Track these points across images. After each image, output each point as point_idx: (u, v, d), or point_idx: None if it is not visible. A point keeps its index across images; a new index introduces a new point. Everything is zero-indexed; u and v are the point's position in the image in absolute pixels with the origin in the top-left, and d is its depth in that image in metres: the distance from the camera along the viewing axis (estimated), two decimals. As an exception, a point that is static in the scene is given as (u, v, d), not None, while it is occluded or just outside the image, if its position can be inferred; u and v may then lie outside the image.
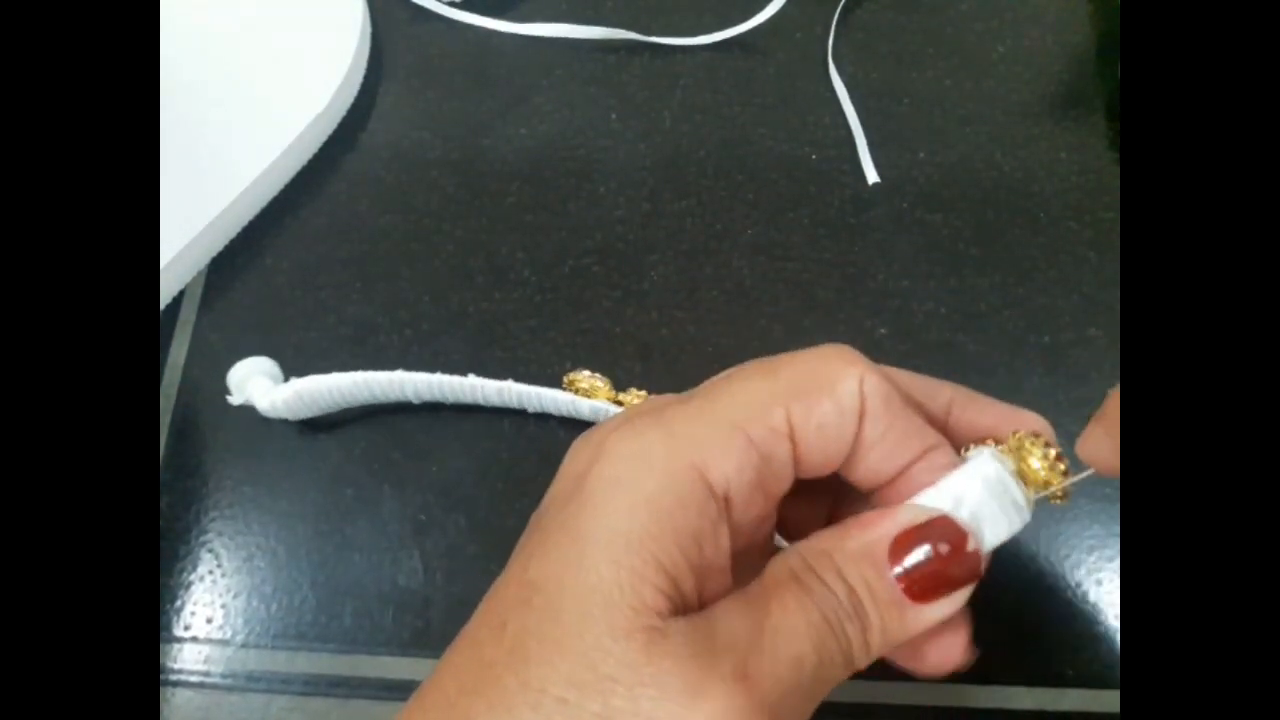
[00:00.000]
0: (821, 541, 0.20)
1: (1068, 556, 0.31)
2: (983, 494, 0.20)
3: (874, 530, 0.20)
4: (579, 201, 0.37)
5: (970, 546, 0.20)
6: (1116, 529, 0.31)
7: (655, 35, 0.40)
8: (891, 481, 0.21)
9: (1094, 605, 0.31)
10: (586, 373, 0.33)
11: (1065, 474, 0.21)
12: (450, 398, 0.33)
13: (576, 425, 0.33)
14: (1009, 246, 0.36)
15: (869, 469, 0.21)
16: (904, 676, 0.30)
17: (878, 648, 0.20)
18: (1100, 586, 0.31)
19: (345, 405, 0.33)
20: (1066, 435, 0.32)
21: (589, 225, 0.37)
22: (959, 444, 0.22)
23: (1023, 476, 0.21)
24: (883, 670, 0.30)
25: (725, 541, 0.20)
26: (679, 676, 0.18)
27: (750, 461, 0.20)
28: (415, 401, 0.33)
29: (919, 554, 0.20)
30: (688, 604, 0.19)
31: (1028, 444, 0.21)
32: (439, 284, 0.36)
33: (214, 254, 0.36)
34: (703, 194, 0.37)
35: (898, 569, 0.20)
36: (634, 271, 0.36)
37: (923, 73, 0.40)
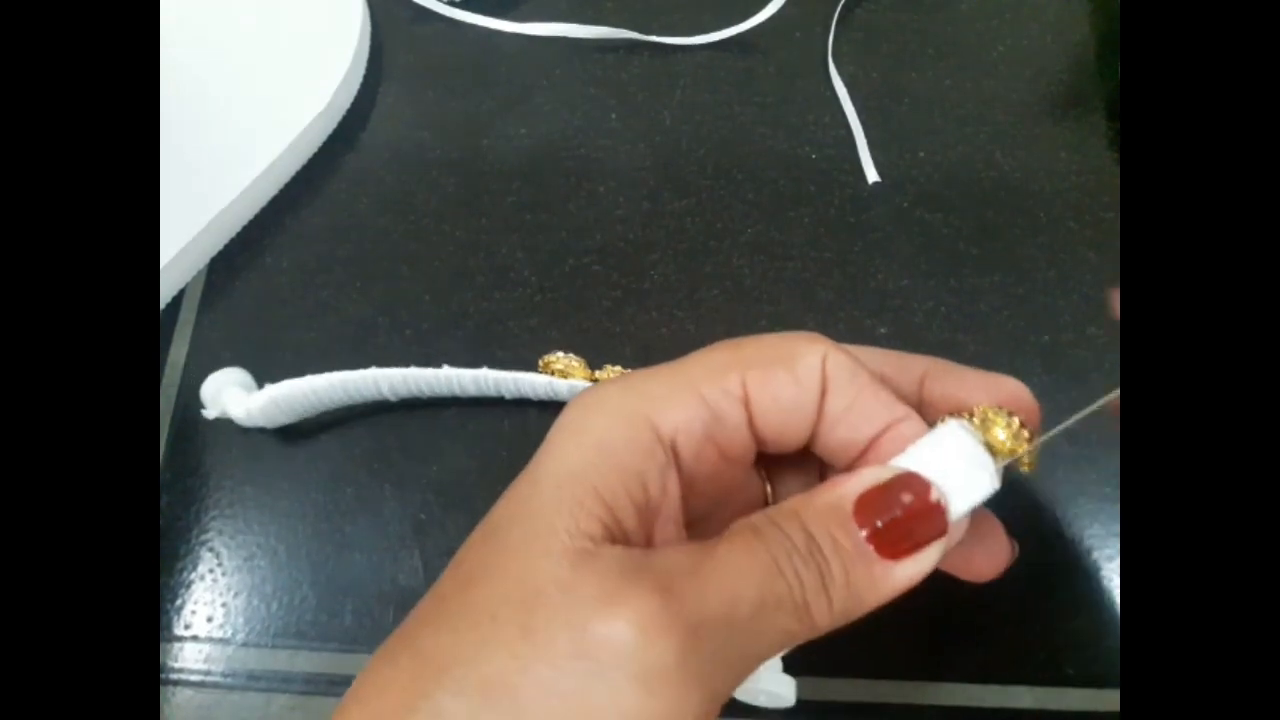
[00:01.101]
0: (787, 502, 0.20)
1: (1068, 556, 0.31)
2: (948, 460, 0.21)
3: (839, 488, 0.20)
4: (579, 201, 0.37)
5: (933, 497, 0.20)
6: (1116, 529, 0.31)
7: (655, 35, 0.40)
8: (862, 454, 0.21)
9: (1094, 605, 0.31)
10: (560, 353, 0.33)
11: (1030, 441, 0.21)
12: (427, 391, 0.33)
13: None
14: (1009, 246, 0.36)
15: (837, 442, 0.21)
16: (904, 676, 0.30)
17: (841, 603, 0.19)
18: (1100, 587, 0.31)
19: (322, 409, 0.33)
20: (1067, 435, 0.32)
21: (589, 225, 0.37)
22: (936, 416, 0.22)
23: (989, 448, 0.21)
24: (883, 670, 0.31)
25: (674, 488, 0.20)
26: (599, 589, 0.18)
27: (700, 416, 0.21)
28: (392, 399, 0.33)
29: (884, 508, 0.20)
30: (630, 540, 0.20)
31: (992, 415, 0.22)
32: (439, 284, 0.36)
33: (214, 253, 0.36)
34: (703, 194, 0.37)
35: (864, 530, 0.20)
36: (634, 271, 0.36)
37: (923, 73, 0.40)
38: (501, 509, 0.20)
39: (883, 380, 0.22)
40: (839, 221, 0.37)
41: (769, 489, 0.24)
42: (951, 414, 0.22)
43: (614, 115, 0.39)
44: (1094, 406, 0.22)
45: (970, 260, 0.36)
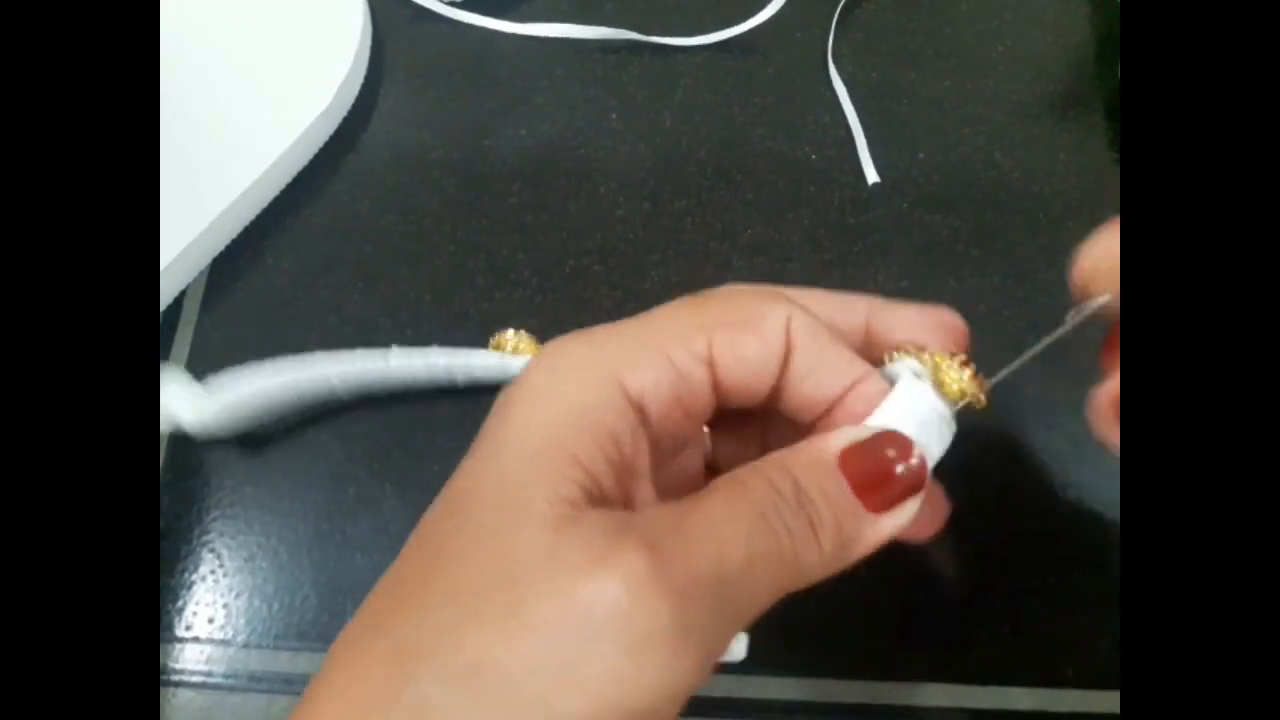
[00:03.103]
0: (771, 456, 0.20)
1: (1068, 556, 0.31)
2: (916, 414, 0.21)
3: (822, 441, 0.20)
4: (579, 201, 0.37)
5: (915, 455, 0.20)
6: (1116, 528, 0.31)
7: (655, 35, 0.40)
8: (827, 413, 0.22)
9: (1094, 605, 0.31)
10: (511, 331, 0.33)
11: (980, 383, 0.22)
12: (378, 383, 0.32)
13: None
14: (1008, 247, 0.36)
15: (801, 400, 0.22)
16: (904, 678, 0.31)
17: (832, 550, 0.19)
18: (1100, 586, 0.31)
19: (275, 407, 0.32)
20: (1067, 436, 0.32)
21: (589, 225, 0.37)
22: (879, 353, 0.23)
23: (941, 390, 0.22)
24: (883, 671, 0.31)
25: (644, 445, 0.20)
26: (585, 551, 0.17)
27: (667, 378, 0.20)
28: (343, 392, 0.32)
29: (868, 463, 0.20)
30: (610, 503, 0.19)
31: (943, 363, 0.22)
32: (440, 284, 0.36)
33: (215, 254, 0.36)
34: (703, 194, 0.37)
35: (849, 483, 0.20)
36: (634, 271, 0.36)
37: (923, 73, 0.40)
38: (463, 481, 0.19)
39: (836, 329, 0.22)
40: (839, 222, 0.37)
41: (708, 444, 0.24)
42: (899, 350, 0.22)
43: (614, 116, 0.39)
44: (1051, 337, 0.22)
45: (970, 261, 0.36)
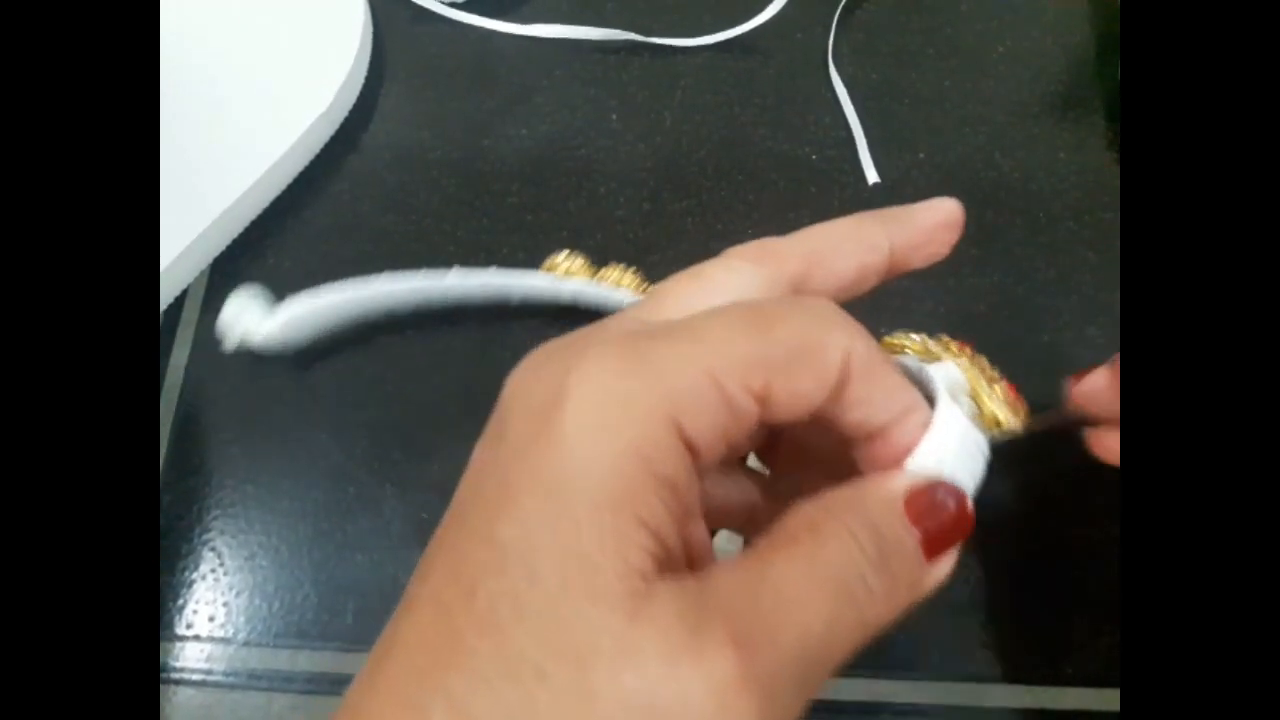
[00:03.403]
0: (838, 496, 0.20)
1: (1068, 556, 0.32)
2: (959, 453, 0.21)
3: (888, 485, 0.20)
4: (579, 202, 0.37)
5: (970, 506, 0.20)
6: (1116, 527, 0.31)
7: (655, 36, 0.40)
8: (871, 439, 0.21)
9: (1094, 605, 0.31)
10: (565, 252, 0.34)
11: (1021, 413, 0.22)
12: (437, 300, 0.34)
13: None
14: (1008, 246, 0.36)
15: (843, 425, 0.21)
16: (903, 676, 0.31)
17: (898, 607, 0.19)
18: (1100, 586, 0.31)
19: (340, 322, 0.34)
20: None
21: (589, 225, 0.37)
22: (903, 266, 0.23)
23: (980, 416, 0.22)
24: (882, 669, 0.31)
25: (697, 487, 0.19)
26: (663, 644, 0.16)
27: (721, 419, 0.19)
28: (405, 311, 0.34)
29: (929, 510, 0.20)
30: (673, 560, 0.18)
31: (983, 392, 0.22)
32: (440, 284, 0.36)
33: (216, 254, 0.36)
34: (703, 194, 0.37)
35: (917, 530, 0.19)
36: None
37: (923, 73, 0.40)
38: (516, 528, 0.18)
39: (885, 354, 0.21)
40: (839, 222, 0.37)
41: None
42: (939, 346, 0.22)
43: (614, 116, 0.39)
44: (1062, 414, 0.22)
45: (970, 261, 0.36)
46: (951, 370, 0.22)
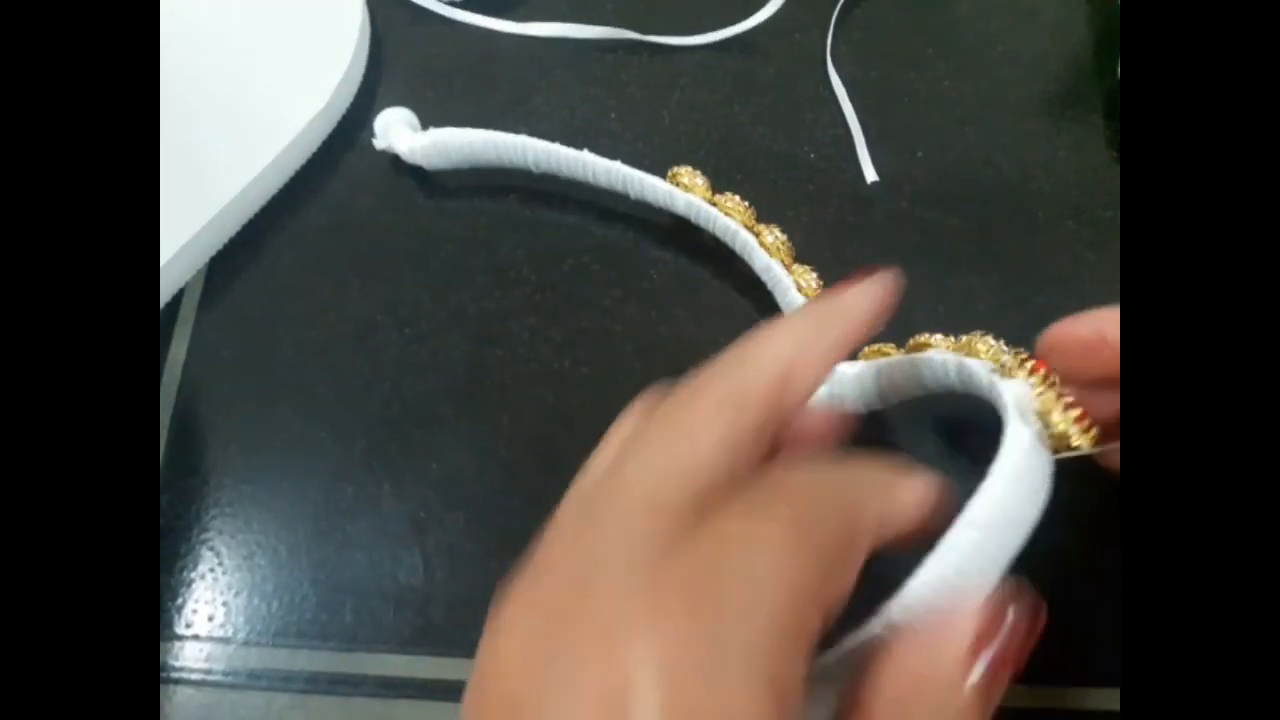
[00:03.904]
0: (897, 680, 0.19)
1: (1068, 556, 0.31)
2: (1018, 485, 0.21)
3: (951, 640, 0.19)
4: (579, 201, 0.37)
5: (1043, 614, 0.20)
6: (1116, 527, 0.31)
7: (655, 35, 0.40)
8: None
9: (1094, 605, 0.31)
10: (688, 168, 0.35)
11: (1090, 433, 0.22)
12: (564, 171, 0.36)
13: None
14: (1008, 246, 0.36)
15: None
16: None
17: None
18: (1100, 586, 0.31)
19: (474, 162, 0.36)
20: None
21: (589, 225, 0.37)
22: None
23: (1047, 430, 0.21)
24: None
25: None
26: None
27: (805, 645, 0.19)
28: (534, 170, 0.36)
29: (1000, 648, 0.20)
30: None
31: (1055, 414, 0.21)
32: (439, 283, 0.36)
33: (214, 252, 0.36)
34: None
35: (979, 666, 0.19)
36: (634, 271, 0.36)
37: (922, 73, 0.40)
38: None
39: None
40: (838, 221, 0.37)
41: None
42: (1013, 359, 0.22)
43: (614, 115, 0.39)
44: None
45: (969, 260, 0.36)
46: (1018, 388, 0.22)
